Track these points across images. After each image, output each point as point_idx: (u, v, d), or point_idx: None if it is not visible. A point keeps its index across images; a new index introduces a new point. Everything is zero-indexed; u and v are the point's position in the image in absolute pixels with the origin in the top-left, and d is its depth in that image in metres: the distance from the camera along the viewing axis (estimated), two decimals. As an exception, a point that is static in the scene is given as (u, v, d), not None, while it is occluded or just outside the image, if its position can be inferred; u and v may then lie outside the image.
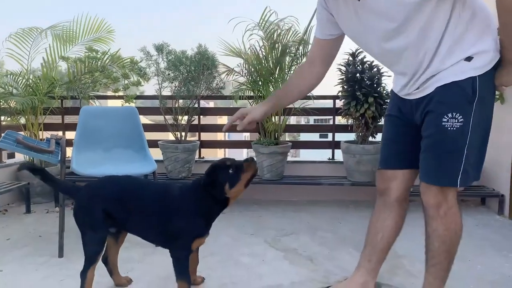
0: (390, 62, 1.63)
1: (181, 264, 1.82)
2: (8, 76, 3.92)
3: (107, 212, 1.81)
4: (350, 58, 3.79)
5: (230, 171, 1.77)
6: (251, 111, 1.71)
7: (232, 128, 1.91)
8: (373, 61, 3.73)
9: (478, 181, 3.87)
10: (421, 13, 1.38)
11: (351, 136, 4.01)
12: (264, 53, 3.89)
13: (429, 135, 1.52)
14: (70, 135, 4.03)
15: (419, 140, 1.60)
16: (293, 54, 3.87)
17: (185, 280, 1.81)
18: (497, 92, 3.57)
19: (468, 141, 1.46)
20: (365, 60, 3.75)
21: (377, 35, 1.51)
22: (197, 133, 4.37)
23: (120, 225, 1.91)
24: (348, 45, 3.39)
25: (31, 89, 3.93)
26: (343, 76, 3.79)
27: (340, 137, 4.19)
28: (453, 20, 1.40)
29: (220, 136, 6.20)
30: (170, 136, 4.13)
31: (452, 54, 1.43)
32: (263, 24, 3.84)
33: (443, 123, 1.46)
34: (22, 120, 4.02)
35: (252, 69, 3.94)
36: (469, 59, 1.42)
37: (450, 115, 1.45)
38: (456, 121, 1.44)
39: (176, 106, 3.98)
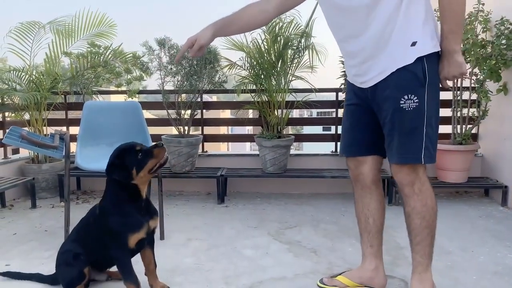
0: (340, 23, 1.70)
1: (123, 265, 1.77)
2: (12, 72, 3.93)
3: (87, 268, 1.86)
4: (353, 51, 3.77)
5: (139, 156, 1.74)
6: (198, 37, 1.70)
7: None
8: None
9: (481, 172, 3.90)
10: None
11: (354, 129, 4.00)
12: (266, 46, 3.88)
13: (389, 120, 1.63)
14: (74, 130, 4.05)
15: (378, 126, 1.72)
16: (295, 47, 3.86)
17: (130, 281, 1.76)
18: (500, 83, 3.59)
19: (425, 120, 1.58)
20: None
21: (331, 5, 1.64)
22: (200, 127, 4.38)
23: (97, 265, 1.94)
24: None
25: (34, 85, 3.95)
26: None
27: (343, 129, 4.18)
28: (399, 5, 1.51)
29: (223, 130, 6.22)
30: (173, 130, 4.14)
31: (397, 39, 1.54)
32: (264, 17, 3.82)
33: (401, 105, 1.58)
34: (26, 116, 4.04)
35: (254, 63, 3.94)
36: (414, 44, 1.54)
37: (406, 97, 1.57)
38: (412, 102, 1.56)
39: (179, 100, 3.98)
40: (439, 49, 1.58)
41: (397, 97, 1.58)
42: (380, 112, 1.67)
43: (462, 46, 1.63)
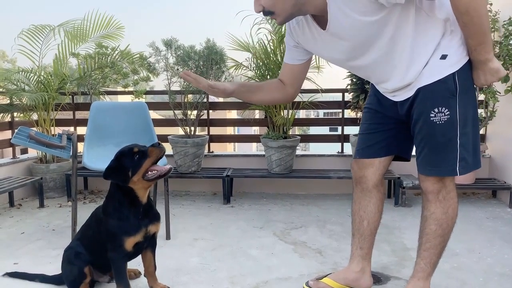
0: (366, 75, 1.69)
1: (117, 267, 1.77)
2: (20, 72, 3.98)
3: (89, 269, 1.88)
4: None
5: (136, 158, 1.71)
6: (217, 84, 1.64)
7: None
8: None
9: (488, 174, 3.87)
10: (387, 25, 1.42)
11: (360, 129, 3.99)
12: (272, 47, 3.88)
13: (419, 131, 1.57)
14: (81, 130, 4.09)
15: (399, 129, 1.71)
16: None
17: (121, 284, 1.76)
18: (508, 83, 3.56)
19: (459, 131, 1.50)
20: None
21: (348, 55, 1.56)
22: (206, 128, 4.39)
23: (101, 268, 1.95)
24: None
25: (42, 86, 3.99)
26: (352, 69, 3.77)
27: (349, 130, 4.18)
28: (420, 24, 1.44)
29: (229, 131, 6.22)
30: (179, 130, 4.15)
31: (426, 57, 1.48)
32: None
33: (431, 118, 1.51)
34: (34, 116, 4.08)
35: (260, 63, 3.94)
36: (444, 57, 1.47)
37: (436, 110, 1.50)
38: (443, 115, 1.49)
39: (185, 101, 4.00)
40: (468, 58, 1.49)
41: (427, 110, 1.51)
42: (409, 122, 1.62)
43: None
